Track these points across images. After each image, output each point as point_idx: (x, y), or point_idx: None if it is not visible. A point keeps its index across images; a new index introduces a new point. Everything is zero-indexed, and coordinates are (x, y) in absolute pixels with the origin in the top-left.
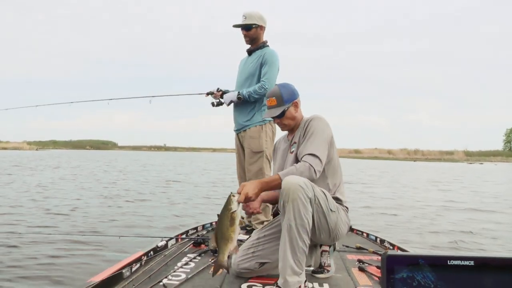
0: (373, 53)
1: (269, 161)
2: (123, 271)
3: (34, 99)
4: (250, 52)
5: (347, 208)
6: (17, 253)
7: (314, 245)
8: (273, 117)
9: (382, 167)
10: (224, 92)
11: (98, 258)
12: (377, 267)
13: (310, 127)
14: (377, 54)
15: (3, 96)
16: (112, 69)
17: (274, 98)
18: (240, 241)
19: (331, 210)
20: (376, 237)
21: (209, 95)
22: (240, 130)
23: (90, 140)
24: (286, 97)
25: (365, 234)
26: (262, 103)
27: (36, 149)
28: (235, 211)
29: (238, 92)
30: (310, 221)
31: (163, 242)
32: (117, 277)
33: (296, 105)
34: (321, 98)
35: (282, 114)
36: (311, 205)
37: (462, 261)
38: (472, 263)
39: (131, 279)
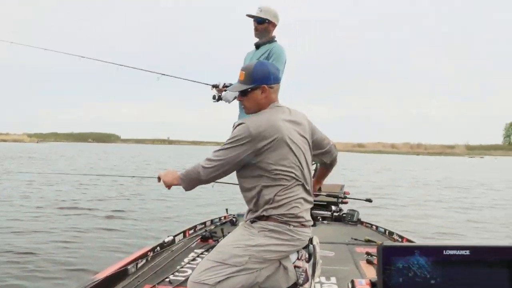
0: (378, 44)
1: None
2: (128, 267)
3: (38, 88)
4: (257, 46)
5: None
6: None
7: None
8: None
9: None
10: (228, 87)
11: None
12: None
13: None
14: (382, 45)
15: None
16: (122, 56)
17: (244, 72)
18: None
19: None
20: (385, 230)
21: (214, 88)
22: None
23: (92, 132)
24: (256, 77)
25: (374, 227)
26: None
27: (37, 142)
28: None
29: None
30: None
31: (170, 238)
32: (122, 273)
33: (264, 90)
34: (324, 90)
35: (244, 93)
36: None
37: (458, 251)
38: (468, 252)
39: (136, 276)
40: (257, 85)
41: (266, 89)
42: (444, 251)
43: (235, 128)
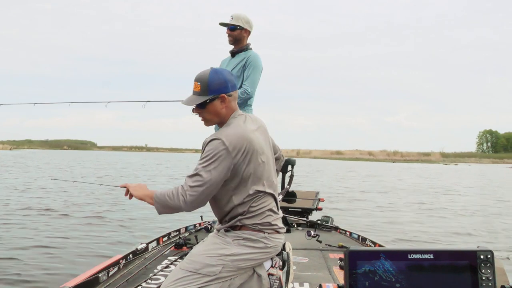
0: (355, 56)
1: None
2: (100, 275)
3: (15, 97)
4: (233, 54)
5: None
6: None
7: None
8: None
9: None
10: None
11: None
12: None
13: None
14: (359, 56)
15: None
16: (95, 66)
17: (199, 83)
18: None
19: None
20: (359, 236)
21: None
22: None
23: (68, 139)
24: (213, 87)
25: (348, 233)
26: (244, 106)
27: (10, 149)
28: None
29: None
30: None
31: (143, 245)
32: (92, 281)
33: (223, 100)
34: (303, 98)
35: (202, 105)
36: None
37: (422, 255)
38: (431, 256)
39: (107, 284)
40: (215, 95)
41: (225, 98)
42: (408, 255)
43: (207, 144)
